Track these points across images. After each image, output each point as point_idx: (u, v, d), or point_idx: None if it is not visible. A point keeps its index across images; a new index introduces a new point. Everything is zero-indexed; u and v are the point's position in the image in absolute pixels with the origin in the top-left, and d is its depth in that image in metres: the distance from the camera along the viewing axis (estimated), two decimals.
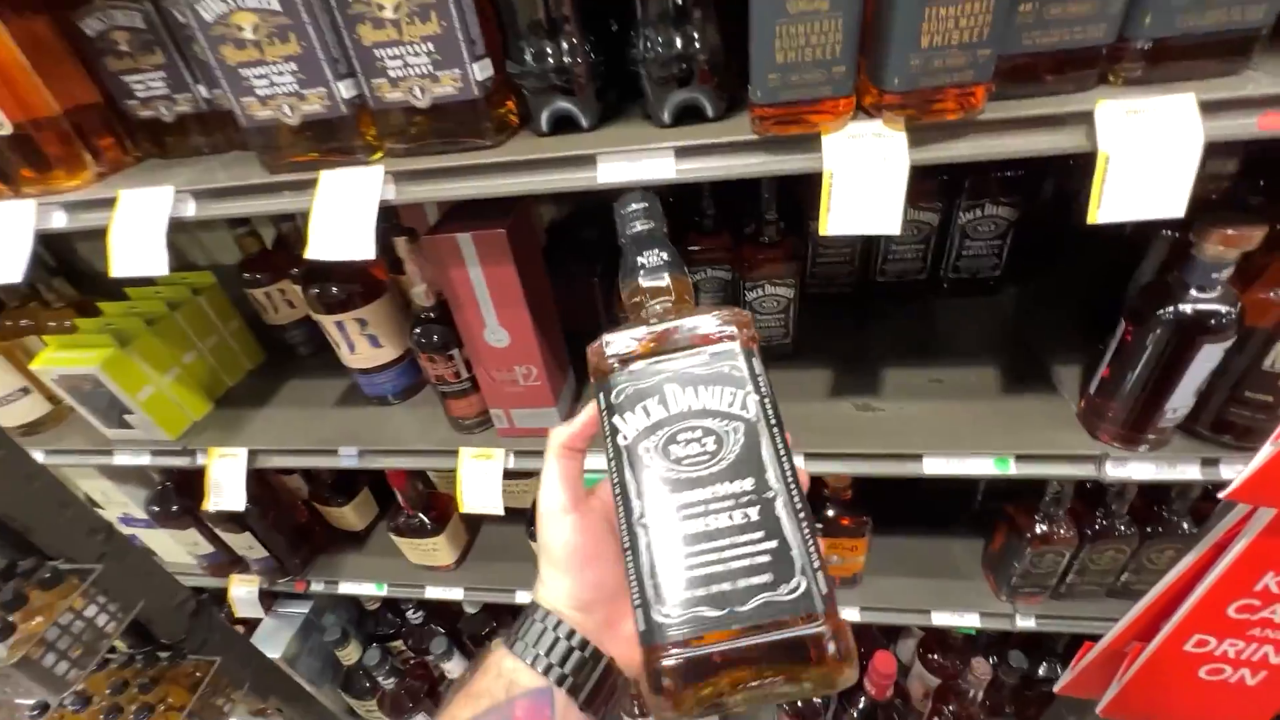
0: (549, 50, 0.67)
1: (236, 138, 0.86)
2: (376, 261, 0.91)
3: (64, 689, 0.84)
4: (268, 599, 1.62)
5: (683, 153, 0.66)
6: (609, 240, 1.30)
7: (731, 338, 0.42)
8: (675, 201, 1.18)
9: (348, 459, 1.09)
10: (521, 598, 1.35)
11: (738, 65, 0.63)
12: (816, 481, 1.11)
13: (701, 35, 0.64)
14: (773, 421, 0.40)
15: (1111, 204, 0.58)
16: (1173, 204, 0.57)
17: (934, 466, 0.90)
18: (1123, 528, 1.03)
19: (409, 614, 1.59)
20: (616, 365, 0.42)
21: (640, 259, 0.47)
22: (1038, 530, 1.04)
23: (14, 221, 0.81)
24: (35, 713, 0.95)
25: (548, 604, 0.44)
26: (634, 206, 0.49)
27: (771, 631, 0.35)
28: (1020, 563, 1.07)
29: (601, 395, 0.42)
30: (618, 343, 0.42)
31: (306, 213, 0.71)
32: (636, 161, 0.67)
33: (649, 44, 0.65)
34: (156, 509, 1.36)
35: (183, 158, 0.91)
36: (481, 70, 0.67)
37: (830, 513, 1.12)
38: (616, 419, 0.40)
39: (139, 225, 0.77)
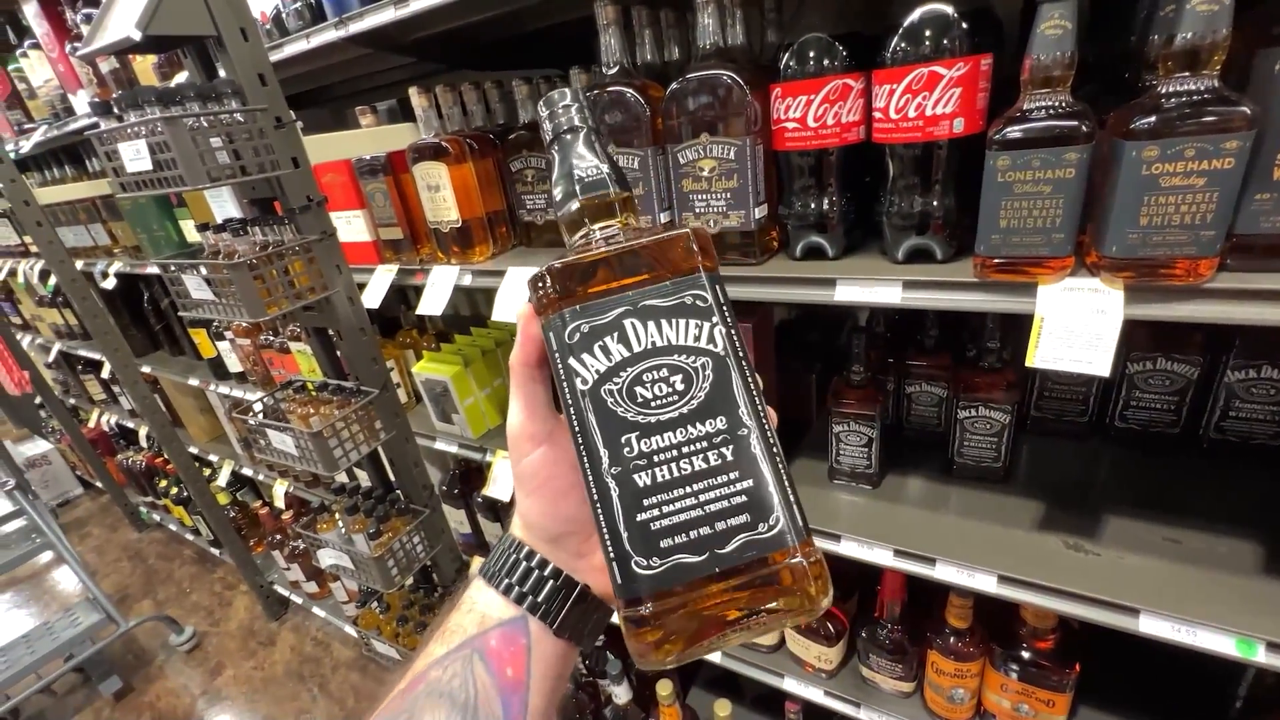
0: (813, 202, 0.90)
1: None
2: None
3: (391, 586, 1.23)
4: None
5: (909, 285, 0.82)
6: (829, 344, 1.47)
7: (695, 264, 0.37)
8: (901, 319, 1.30)
9: None
10: None
11: (969, 219, 0.78)
12: (1014, 618, 1.07)
13: (939, 199, 0.81)
14: (741, 354, 0.37)
15: None
16: None
17: (1153, 627, 0.85)
18: None
19: None
20: (566, 299, 0.37)
21: (578, 169, 0.41)
22: None
23: (444, 278, 1.29)
24: (364, 597, 1.35)
25: (520, 535, 0.44)
26: (564, 100, 0.42)
27: (753, 570, 0.34)
28: None
29: (552, 335, 0.37)
30: (565, 272, 0.37)
31: None
32: (869, 287, 0.84)
33: (893, 202, 0.84)
34: (445, 488, 1.83)
35: (540, 247, 1.34)
36: (760, 211, 0.92)
37: (1026, 655, 1.07)
38: (572, 361, 0.36)
39: (513, 289, 1.17)
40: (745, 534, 0.35)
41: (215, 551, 3.03)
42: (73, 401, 3.42)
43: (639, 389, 0.36)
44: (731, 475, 0.35)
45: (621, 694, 1.55)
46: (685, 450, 0.35)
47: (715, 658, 1.44)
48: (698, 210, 0.95)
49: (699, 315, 0.37)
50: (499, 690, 0.40)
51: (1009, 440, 1.08)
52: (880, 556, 1.04)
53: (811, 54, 0.81)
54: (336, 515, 1.38)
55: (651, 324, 0.36)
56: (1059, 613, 0.91)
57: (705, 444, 0.36)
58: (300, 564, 2.50)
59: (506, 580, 0.42)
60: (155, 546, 3.42)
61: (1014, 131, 0.67)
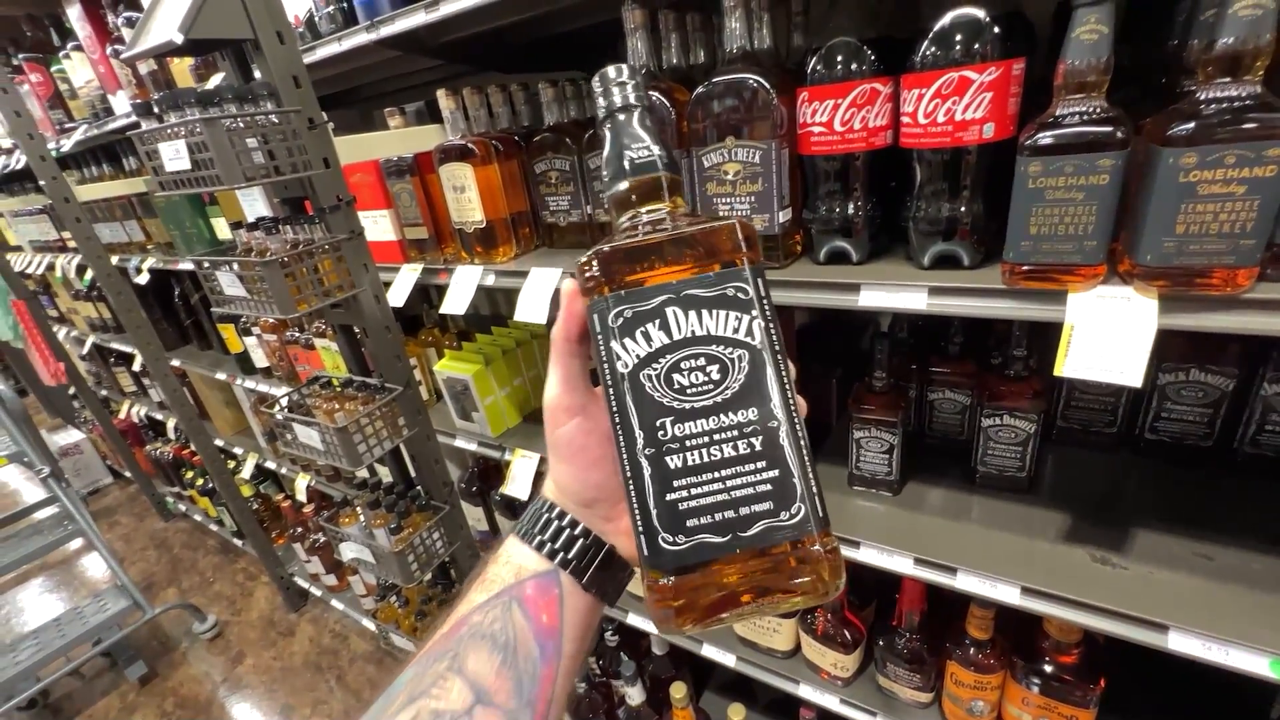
0: (838, 206, 0.90)
1: (599, 240, 1.27)
2: None
3: (411, 581, 1.25)
4: None
5: (935, 291, 0.81)
6: (851, 348, 1.46)
7: (740, 256, 0.38)
8: (924, 325, 1.29)
9: None
10: (708, 651, 1.47)
11: (997, 225, 0.77)
12: (1036, 630, 1.06)
13: (967, 205, 0.80)
14: (777, 348, 0.38)
15: None
16: None
17: (1183, 645, 0.83)
18: None
19: (606, 635, 1.81)
20: (613, 283, 0.38)
21: (629, 150, 0.42)
22: None
23: (468, 278, 1.31)
24: (382, 591, 1.38)
25: (552, 497, 0.47)
26: (620, 77, 0.42)
27: (772, 554, 0.36)
28: None
29: (596, 317, 0.38)
30: (613, 257, 0.38)
31: None
32: (893, 292, 0.84)
33: (920, 207, 0.83)
34: (464, 486, 1.84)
35: (563, 249, 1.35)
36: (784, 215, 0.92)
37: (1049, 668, 1.05)
38: (615, 344, 0.38)
39: (536, 290, 1.18)
40: (768, 520, 0.37)
41: (238, 542, 3.09)
42: (104, 393, 3.52)
43: (676, 375, 0.37)
44: (759, 464, 0.37)
45: (635, 695, 1.55)
46: (717, 437, 0.37)
47: (729, 662, 1.44)
48: (721, 213, 0.95)
49: (739, 307, 0.38)
50: (535, 634, 0.42)
51: (1034, 450, 1.06)
52: (900, 564, 1.03)
53: (839, 58, 0.81)
54: (358, 510, 1.41)
55: (693, 313, 0.38)
56: (1084, 627, 0.90)
57: (736, 433, 0.37)
58: (320, 557, 2.54)
59: (540, 537, 0.45)
60: (180, 536, 3.50)
61: (1046, 137, 0.66)
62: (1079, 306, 0.70)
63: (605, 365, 0.38)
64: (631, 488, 0.38)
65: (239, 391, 2.53)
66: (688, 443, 0.37)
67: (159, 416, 3.08)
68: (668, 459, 0.37)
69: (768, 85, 0.84)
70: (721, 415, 0.37)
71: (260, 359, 2.20)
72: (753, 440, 0.37)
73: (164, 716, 2.38)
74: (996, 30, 0.70)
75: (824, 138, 0.85)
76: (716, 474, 0.37)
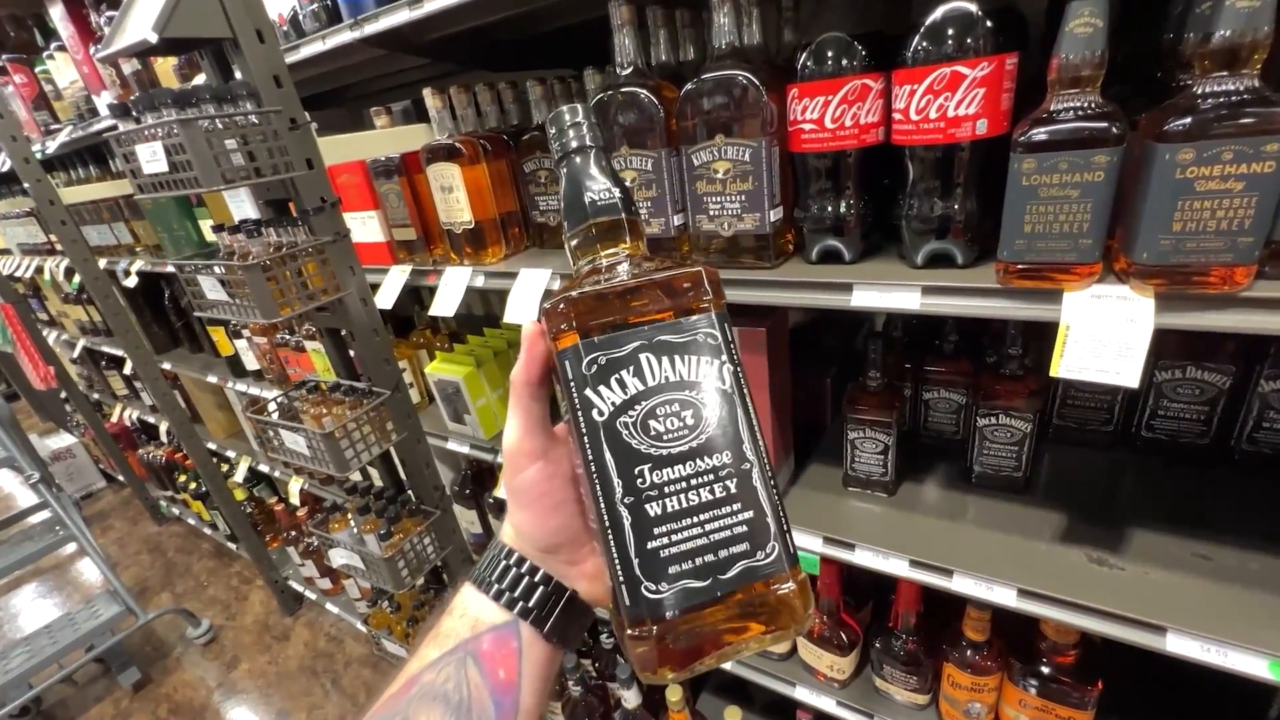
0: (830, 205, 0.88)
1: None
2: None
3: (401, 587, 1.24)
4: None
5: (929, 290, 0.80)
6: (845, 349, 1.45)
7: (708, 302, 0.39)
8: (919, 324, 1.28)
9: None
10: None
11: (991, 223, 0.75)
12: (1033, 632, 1.04)
13: (960, 203, 0.79)
14: (745, 391, 0.39)
15: None
16: None
17: (1181, 646, 0.82)
18: None
19: (603, 638, 1.80)
20: (583, 330, 0.38)
21: (590, 191, 0.42)
22: None
23: (457, 279, 1.29)
24: (375, 596, 1.36)
25: (511, 543, 0.45)
26: (575, 118, 0.42)
27: (750, 594, 0.37)
28: None
29: (568, 364, 0.38)
30: (585, 306, 0.38)
31: None
32: (886, 292, 0.82)
33: (913, 205, 0.82)
34: (457, 488, 1.83)
35: (553, 249, 1.33)
36: (775, 214, 0.91)
37: (1046, 670, 1.04)
38: (589, 392, 0.37)
39: (526, 291, 1.16)
40: (745, 561, 0.37)
41: (232, 546, 3.07)
42: (96, 396, 3.49)
43: (652, 422, 0.37)
44: (735, 506, 0.38)
45: (631, 698, 1.54)
46: (694, 482, 0.37)
47: (726, 664, 1.43)
48: (711, 213, 0.94)
49: (710, 353, 0.39)
50: (491, 691, 0.41)
51: (1030, 449, 1.05)
52: (896, 567, 1.02)
53: (830, 54, 0.79)
54: (349, 515, 1.39)
55: (665, 359, 0.38)
56: (1082, 629, 0.89)
57: (712, 476, 0.38)
58: (314, 560, 2.52)
59: (497, 586, 0.43)
60: (174, 540, 3.48)
61: (1040, 134, 0.64)
62: (1074, 306, 0.69)
63: (578, 413, 0.38)
64: (610, 537, 0.37)
65: (231, 394, 2.51)
66: (666, 489, 0.37)
67: (151, 420, 3.05)
68: (647, 506, 0.37)
69: (757, 82, 0.82)
70: (697, 460, 0.37)
71: (251, 362, 2.17)
72: (728, 483, 0.38)
73: None
74: (989, 25, 0.69)
75: (815, 135, 0.84)
76: (695, 519, 0.37)
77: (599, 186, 0.42)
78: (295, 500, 2.31)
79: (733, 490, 0.38)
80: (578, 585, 0.45)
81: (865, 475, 1.15)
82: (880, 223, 0.93)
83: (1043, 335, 1.06)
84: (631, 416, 0.37)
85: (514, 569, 0.44)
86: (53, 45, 2.07)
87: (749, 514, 0.38)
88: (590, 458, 0.37)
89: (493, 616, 0.43)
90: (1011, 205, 0.69)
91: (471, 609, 0.43)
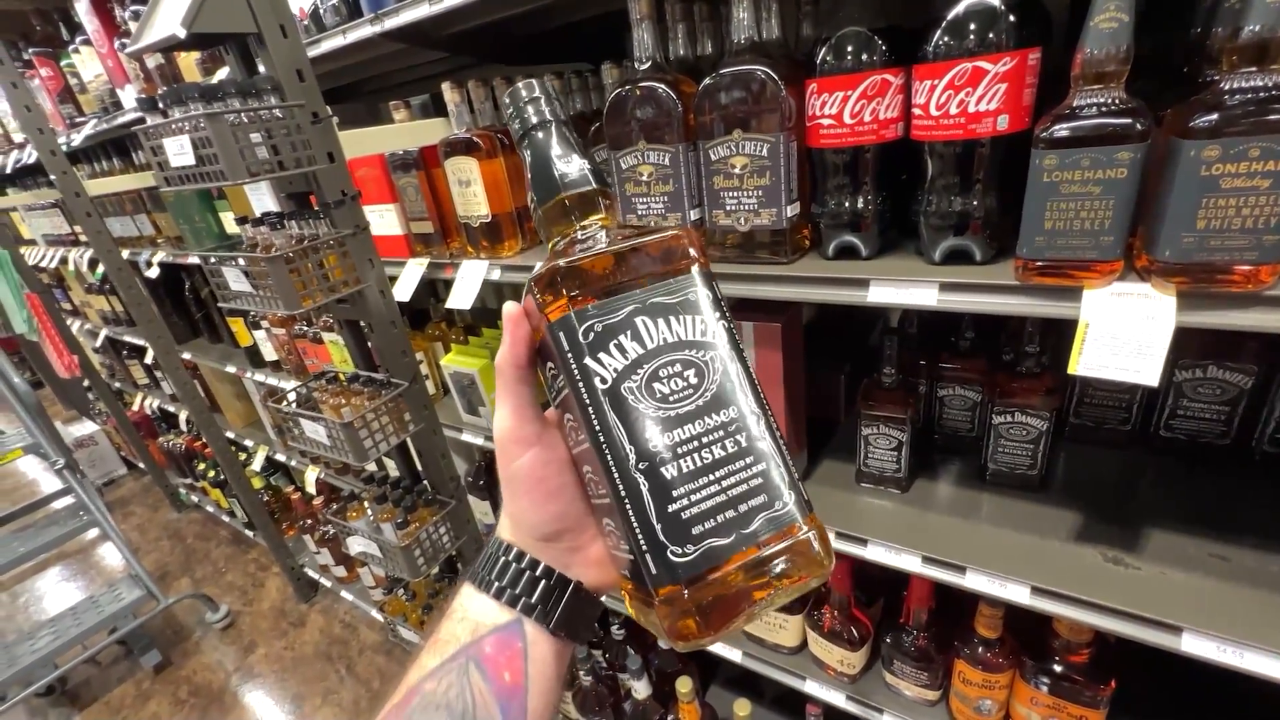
0: (847, 201, 0.88)
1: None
2: None
3: (417, 575, 1.26)
4: None
5: (946, 287, 0.80)
6: (859, 344, 1.44)
7: (692, 261, 0.40)
8: (935, 320, 1.27)
9: None
10: (714, 646, 1.47)
11: (1010, 219, 0.75)
12: (1046, 630, 1.04)
13: (979, 199, 0.78)
14: (740, 345, 0.39)
15: None
16: None
17: (1197, 647, 0.81)
18: None
19: (613, 629, 1.82)
20: (575, 300, 0.37)
21: (560, 165, 0.42)
22: None
23: (473, 273, 1.30)
24: (390, 584, 1.38)
25: (509, 537, 0.44)
26: (533, 94, 0.42)
27: (774, 544, 0.37)
28: None
29: (563, 335, 0.37)
30: (573, 273, 0.37)
31: None
32: (903, 288, 0.82)
33: (931, 201, 0.81)
34: (471, 479, 1.85)
35: None
36: (792, 209, 0.91)
37: (1058, 668, 1.04)
38: (589, 361, 0.37)
39: None
40: (765, 513, 0.37)
41: (249, 533, 3.12)
42: (118, 385, 3.56)
43: (657, 384, 0.37)
44: (747, 460, 0.37)
45: (641, 689, 1.55)
46: (705, 440, 0.37)
47: (736, 657, 1.44)
48: (728, 208, 0.94)
49: (703, 310, 0.39)
50: (496, 696, 0.39)
51: (1046, 448, 1.04)
52: (908, 563, 1.02)
53: (849, 48, 0.79)
54: (366, 504, 1.42)
55: (661, 321, 0.38)
56: (1096, 628, 0.88)
57: (722, 433, 0.37)
58: (330, 549, 2.56)
59: (497, 584, 0.42)
60: (193, 527, 3.55)
61: (1062, 129, 0.64)
62: (1094, 303, 0.69)
63: (579, 384, 0.37)
64: (629, 507, 0.36)
65: (249, 384, 2.55)
66: (679, 450, 0.36)
67: (171, 409, 3.11)
68: (663, 470, 0.36)
69: (776, 77, 0.82)
70: (706, 418, 0.37)
71: (269, 352, 2.21)
72: (738, 437, 0.37)
73: (178, 704, 2.42)
74: (1012, 19, 0.68)
75: (833, 130, 0.84)
76: (712, 476, 0.37)
77: (566, 160, 0.42)
78: (311, 489, 2.34)
79: (743, 444, 0.37)
80: (582, 574, 0.44)
81: (878, 471, 1.15)
82: (898, 219, 0.92)
83: (1060, 332, 1.05)
84: (635, 381, 0.37)
85: (514, 564, 0.42)
86: (78, 39, 2.10)
87: (762, 465, 0.38)
88: (597, 428, 0.36)
89: (494, 617, 0.41)
90: (1032, 202, 0.68)
91: (472, 611, 0.42)
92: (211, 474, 3.13)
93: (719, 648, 1.46)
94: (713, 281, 0.40)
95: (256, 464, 2.65)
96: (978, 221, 0.79)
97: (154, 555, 3.35)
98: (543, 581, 0.42)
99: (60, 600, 3.04)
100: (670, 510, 0.36)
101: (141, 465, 3.74)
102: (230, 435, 2.75)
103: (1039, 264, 0.71)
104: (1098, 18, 0.59)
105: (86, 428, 4.05)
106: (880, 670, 1.30)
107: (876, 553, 1.05)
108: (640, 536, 0.36)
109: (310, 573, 2.80)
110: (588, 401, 0.36)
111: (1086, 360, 0.69)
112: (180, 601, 2.78)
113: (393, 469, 1.63)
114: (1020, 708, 1.12)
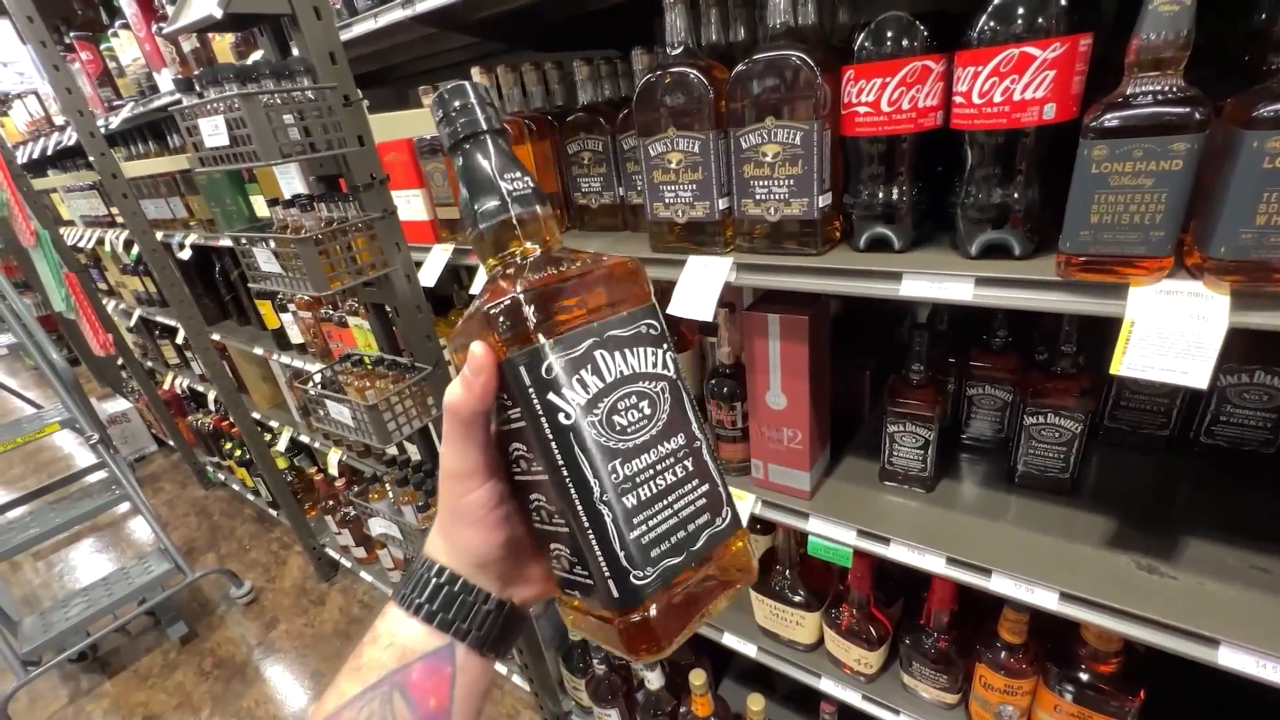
0: (881, 191, 0.86)
1: (631, 223, 1.24)
2: (690, 323, 1.19)
3: None
4: None
5: (983, 281, 0.77)
6: (888, 339, 1.42)
7: (647, 294, 0.41)
8: (965, 316, 1.24)
9: None
10: (729, 640, 1.47)
11: (1052, 213, 0.72)
12: (1072, 637, 1.02)
13: (1021, 191, 0.76)
14: (683, 375, 0.41)
15: None
16: None
17: (1235, 661, 0.78)
18: None
19: None
20: (539, 334, 0.36)
21: (505, 182, 0.40)
22: None
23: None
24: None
25: (442, 559, 0.43)
26: (465, 99, 0.40)
27: (719, 558, 0.41)
28: None
29: (523, 371, 0.36)
30: (539, 308, 0.36)
31: (673, 282, 1.01)
32: (938, 282, 0.80)
33: (970, 193, 0.79)
34: None
35: (595, 231, 1.33)
36: (824, 200, 0.89)
37: (1085, 677, 1.01)
38: (552, 396, 0.36)
39: None
40: (708, 530, 0.41)
41: (273, 512, 3.19)
42: (150, 364, 3.65)
43: (616, 417, 0.38)
44: (694, 483, 0.40)
45: (654, 680, 1.56)
46: (659, 468, 0.39)
47: (750, 652, 1.43)
48: (758, 197, 0.92)
49: (653, 343, 0.40)
50: None
51: (1079, 450, 1.01)
52: (932, 564, 1.00)
53: (889, 34, 0.77)
54: (387, 486, 1.43)
55: (618, 354, 0.39)
56: (1127, 637, 0.86)
57: (672, 459, 0.40)
58: (350, 530, 2.60)
59: (428, 608, 0.41)
60: (220, 504, 3.64)
61: (1114, 119, 0.61)
62: (1141, 301, 0.66)
63: (541, 420, 0.36)
64: (593, 536, 0.37)
65: (275, 366, 2.59)
66: (639, 479, 0.38)
67: (200, 388, 3.19)
68: (624, 499, 0.37)
69: (811, 63, 0.80)
70: (659, 446, 0.39)
71: (295, 335, 2.24)
72: (685, 463, 0.40)
73: (203, 675, 2.49)
74: (1063, 3, 0.66)
75: (870, 118, 0.82)
76: (666, 500, 0.39)
77: (512, 175, 0.40)
78: (334, 471, 2.38)
79: (690, 468, 0.40)
80: (514, 592, 0.45)
81: (903, 470, 1.13)
82: (933, 211, 0.90)
83: (1097, 331, 1.02)
84: (597, 415, 0.37)
85: (446, 587, 0.42)
86: (117, 23, 2.14)
87: (705, 486, 0.41)
88: (561, 463, 0.36)
89: (424, 643, 0.41)
90: (1077, 194, 0.66)
91: (400, 636, 0.41)
92: (238, 453, 3.21)
93: (733, 641, 1.46)
94: (660, 313, 0.41)
95: (281, 444, 2.70)
96: (1018, 214, 0.77)
97: (182, 530, 3.44)
98: (480, 607, 0.42)
99: (92, 571, 3.15)
100: (632, 537, 0.37)
101: (171, 443, 3.84)
102: (256, 416, 2.81)
103: (1083, 259, 0.69)
104: (1158, 0, 0.56)
105: (120, 405, 4.17)
106: (898, 671, 1.29)
107: (899, 552, 1.03)
108: (604, 563, 0.37)
109: (331, 553, 2.85)
110: (550, 437, 0.36)
111: (1131, 360, 0.66)
112: (206, 576, 2.85)
113: (414, 453, 1.64)
114: (1043, 715, 1.09)
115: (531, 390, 0.36)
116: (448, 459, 0.41)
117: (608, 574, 0.37)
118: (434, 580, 0.42)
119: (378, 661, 0.41)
